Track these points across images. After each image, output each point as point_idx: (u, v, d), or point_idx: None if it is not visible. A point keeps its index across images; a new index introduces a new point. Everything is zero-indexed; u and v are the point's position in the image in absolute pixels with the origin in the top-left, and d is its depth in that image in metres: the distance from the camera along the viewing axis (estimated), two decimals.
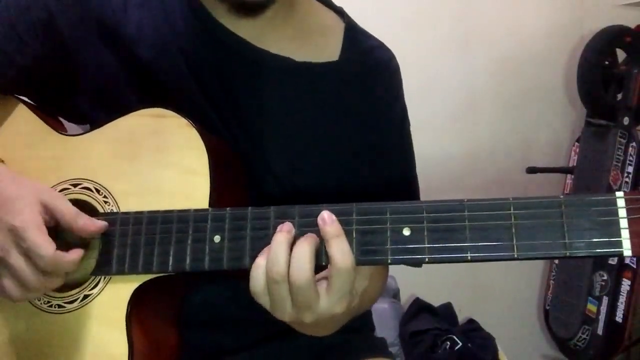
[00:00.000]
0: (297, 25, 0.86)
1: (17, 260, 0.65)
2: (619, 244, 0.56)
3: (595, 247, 0.57)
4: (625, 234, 0.56)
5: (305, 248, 0.61)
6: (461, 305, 2.12)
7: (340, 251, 0.60)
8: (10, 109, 0.81)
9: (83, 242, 0.70)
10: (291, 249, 0.61)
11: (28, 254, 0.65)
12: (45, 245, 0.64)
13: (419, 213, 0.61)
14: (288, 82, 0.83)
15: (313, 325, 0.66)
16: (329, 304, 0.62)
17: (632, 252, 0.55)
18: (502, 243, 0.59)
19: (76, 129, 0.84)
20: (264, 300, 0.63)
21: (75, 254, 0.67)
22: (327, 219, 0.61)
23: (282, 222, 0.63)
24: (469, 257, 0.59)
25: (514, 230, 0.59)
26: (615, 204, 0.57)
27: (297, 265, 0.60)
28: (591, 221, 0.57)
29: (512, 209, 0.59)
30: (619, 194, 0.57)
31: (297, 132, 0.84)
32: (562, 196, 0.58)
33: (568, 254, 0.57)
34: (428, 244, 0.60)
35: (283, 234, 0.62)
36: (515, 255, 0.58)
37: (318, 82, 0.84)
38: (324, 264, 0.62)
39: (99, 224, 0.69)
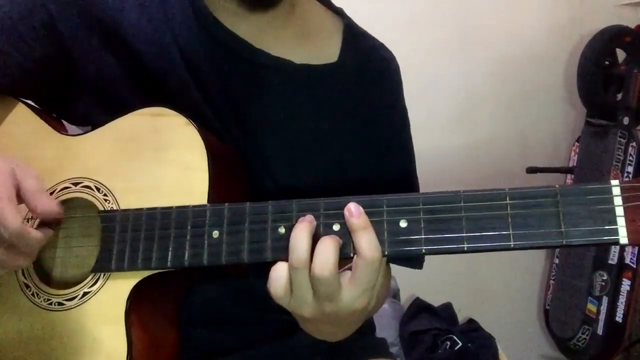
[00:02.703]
0: (297, 26, 0.86)
1: None
2: (614, 232, 0.56)
3: (591, 236, 0.57)
4: (621, 221, 0.56)
5: (329, 243, 0.60)
6: (461, 305, 2.12)
7: (368, 243, 0.60)
8: (12, 110, 0.82)
9: (83, 234, 0.70)
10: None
11: None
12: (11, 216, 0.62)
13: (415, 205, 0.61)
14: (287, 84, 0.83)
15: (331, 323, 0.66)
16: (351, 296, 0.61)
17: (628, 240, 0.55)
18: (498, 233, 0.59)
19: (77, 130, 0.84)
20: (284, 300, 0.62)
21: (43, 232, 0.66)
22: (354, 210, 0.61)
23: (278, 217, 0.63)
24: (466, 248, 0.59)
25: (509, 219, 0.58)
26: (610, 192, 0.57)
27: (320, 258, 0.59)
28: (587, 210, 0.57)
29: (507, 199, 0.59)
30: (615, 182, 0.57)
31: (296, 133, 0.84)
32: (557, 186, 0.58)
33: (564, 242, 0.57)
34: (425, 235, 0.60)
35: (304, 223, 0.61)
36: (512, 245, 0.58)
37: (317, 83, 0.84)
38: (352, 255, 0.61)
39: (54, 207, 0.67)
